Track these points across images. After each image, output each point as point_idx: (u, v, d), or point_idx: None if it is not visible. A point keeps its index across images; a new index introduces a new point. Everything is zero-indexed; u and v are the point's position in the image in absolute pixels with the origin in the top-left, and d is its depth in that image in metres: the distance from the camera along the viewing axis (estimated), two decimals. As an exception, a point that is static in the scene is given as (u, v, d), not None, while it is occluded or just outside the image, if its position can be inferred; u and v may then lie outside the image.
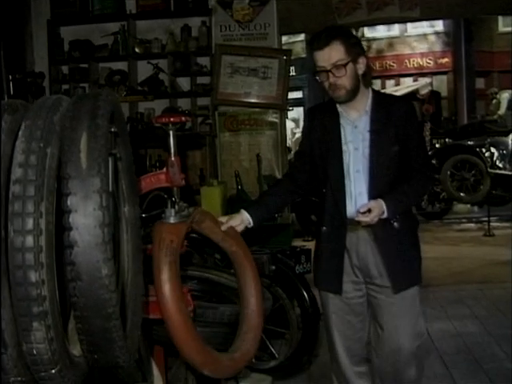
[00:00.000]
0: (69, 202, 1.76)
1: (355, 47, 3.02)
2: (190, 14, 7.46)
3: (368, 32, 21.38)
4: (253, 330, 2.89)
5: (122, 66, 7.61)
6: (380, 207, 2.93)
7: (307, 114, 3.41)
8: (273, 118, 7.12)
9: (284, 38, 8.24)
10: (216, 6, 7.26)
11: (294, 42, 17.80)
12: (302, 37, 17.70)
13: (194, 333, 2.55)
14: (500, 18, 21.07)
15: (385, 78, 22.32)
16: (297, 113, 17.46)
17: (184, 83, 7.58)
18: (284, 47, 8.36)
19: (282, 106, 7.15)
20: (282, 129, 7.13)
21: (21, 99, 2.14)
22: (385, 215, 2.96)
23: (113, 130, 2.00)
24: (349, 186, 3.05)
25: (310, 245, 3.98)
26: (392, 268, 3.06)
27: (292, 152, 10.71)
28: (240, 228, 3.04)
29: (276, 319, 4.27)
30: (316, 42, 3.00)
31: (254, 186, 6.24)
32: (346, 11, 7.43)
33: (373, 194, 3.01)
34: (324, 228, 3.15)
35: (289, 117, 9.78)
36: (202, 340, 2.60)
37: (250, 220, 3.07)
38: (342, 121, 3.09)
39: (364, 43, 20.04)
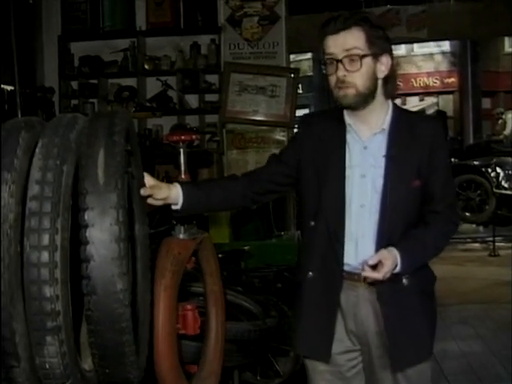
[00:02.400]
0: (86, 217, 1.80)
1: (380, 40, 2.33)
2: (199, 31, 7.53)
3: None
4: (212, 376, 2.79)
5: (131, 82, 7.68)
6: (394, 259, 2.25)
7: (302, 121, 2.62)
8: (280, 136, 7.17)
9: (291, 56, 8.30)
10: (225, 24, 7.34)
11: (301, 60, 17.88)
12: (309, 55, 17.79)
13: (173, 348, 2.52)
14: (506, 39, 21.15)
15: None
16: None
17: (192, 100, 7.64)
18: (291, 65, 8.42)
19: (290, 124, 7.19)
20: (288, 147, 7.16)
21: (30, 114, 2.18)
22: (397, 269, 2.28)
23: (128, 148, 2.05)
24: (348, 225, 2.35)
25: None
26: (395, 339, 2.36)
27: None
28: (158, 203, 2.38)
29: (281, 337, 4.28)
30: (332, 24, 2.31)
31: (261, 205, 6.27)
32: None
33: (381, 239, 2.32)
34: (310, 273, 2.42)
35: (295, 134, 9.81)
36: (178, 359, 2.58)
37: (180, 200, 2.41)
38: (348, 137, 2.40)
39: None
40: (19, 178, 1.86)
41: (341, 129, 2.41)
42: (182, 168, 2.90)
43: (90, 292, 1.81)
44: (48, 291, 1.76)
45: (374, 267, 2.22)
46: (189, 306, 2.77)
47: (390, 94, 2.42)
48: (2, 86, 6.55)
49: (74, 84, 7.81)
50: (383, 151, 2.35)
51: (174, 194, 2.39)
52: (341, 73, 2.29)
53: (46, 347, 1.80)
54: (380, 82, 2.36)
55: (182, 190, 2.41)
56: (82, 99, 7.76)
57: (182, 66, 7.54)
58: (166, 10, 7.53)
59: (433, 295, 2.51)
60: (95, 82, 7.76)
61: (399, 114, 2.41)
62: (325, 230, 2.38)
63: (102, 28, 7.70)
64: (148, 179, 2.35)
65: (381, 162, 2.35)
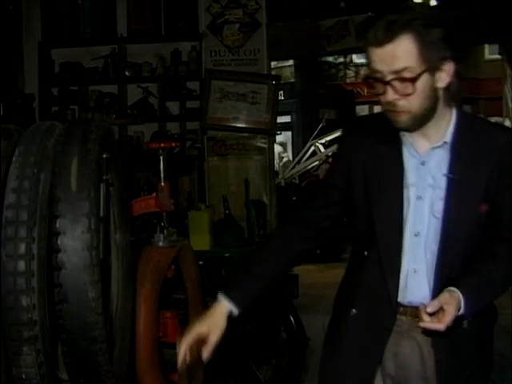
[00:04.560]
0: (58, 225, 1.80)
1: (439, 44, 1.84)
2: (180, 38, 7.51)
3: (356, 58, 21.58)
4: None
5: (111, 89, 7.64)
6: (457, 304, 1.84)
7: (347, 131, 2.16)
8: (261, 143, 7.17)
9: (273, 63, 8.31)
10: (206, 31, 7.32)
11: (282, 67, 17.91)
12: (291, 62, 17.82)
13: (155, 357, 2.52)
14: (486, 46, 21.33)
15: (373, 104, 22.50)
16: (285, 137, 17.53)
17: (173, 107, 7.61)
18: (273, 72, 8.43)
19: (271, 131, 7.20)
20: (270, 154, 7.17)
21: (10, 121, 2.17)
22: (459, 313, 1.86)
23: (104, 156, 2.04)
24: (403, 258, 1.98)
25: (297, 270, 4.00)
26: None
27: (279, 176, 10.75)
28: (216, 336, 2.02)
29: (262, 344, 4.28)
30: (372, 33, 1.83)
31: (242, 211, 6.26)
32: (336, 38, 7.51)
33: (439, 276, 1.94)
34: (354, 310, 2.05)
35: (277, 141, 9.84)
36: (159, 368, 2.57)
37: (234, 308, 2.05)
38: (405, 150, 1.99)
39: (352, 69, 20.18)
40: (-4, 186, 1.85)
41: (396, 139, 1.99)
42: (162, 175, 2.90)
43: (62, 300, 1.81)
44: (25, 301, 1.75)
45: (432, 313, 1.82)
46: (169, 314, 2.76)
47: (454, 100, 1.97)
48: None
49: (55, 90, 7.75)
50: (444, 169, 1.94)
51: (222, 317, 2.04)
52: (390, 97, 1.87)
53: (23, 357, 1.79)
54: (441, 91, 1.92)
55: (231, 298, 2.05)
56: (63, 106, 7.71)
57: (163, 72, 7.52)
58: (147, 16, 7.50)
59: (492, 336, 2.11)
60: (76, 88, 7.71)
61: (465, 124, 1.98)
62: (376, 262, 1.99)
63: (82, 34, 7.65)
64: (193, 331, 2.02)
65: (441, 182, 1.94)
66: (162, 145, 2.86)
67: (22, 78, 7.71)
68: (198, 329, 2.00)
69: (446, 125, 1.96)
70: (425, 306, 1.83)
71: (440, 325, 1.81)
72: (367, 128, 2.08)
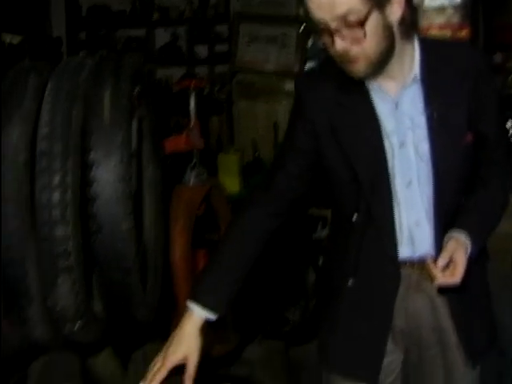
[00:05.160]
0: (91, 157, 1.81)
1: None
2: (208, -20, 7.42)
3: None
4: None
5: (139, 33, 7.60)
6: (465, 248, 1.73)
7: (302, 85, 1.88)
8: (290, 86, 7.10)
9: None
10: (234, -28, 7.22)
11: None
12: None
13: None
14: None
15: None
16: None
17: (202, 50, 7.57)
18: (302, 15, 8.31)
19: (299, 75, 7.13)
20: (298, 98, 7.11)
21: (39, 64, 2.17)
22: (468, 254, 1.74)
23: (136, 90, 2.03)
24: (397, 213, 1.80)
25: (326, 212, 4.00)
26: (467, 331, 1.88)
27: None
28: (195, 362, 1.76)
29: (291, 285, 4.31)
30: None
31: (271, 154, 6.25)
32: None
33: (440, 221, 1.81)
34: (351, 280, 1.87)
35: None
36: None
37: (211, 315, 1.78)
38: (374, 97, 1.78)
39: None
40: (29, 120, 1.86)
41: (359, 86, 1.76)
42: (192, 114, 2.90)
43: (96, 231, 1.83)
44: (59, 232, 1.76)
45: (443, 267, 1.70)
46: (202, 253, 2.79)
47: (413, 31, 1.76)
48: (10, 37, 6.51)
49: (82, 35, 7.73)
50: (420, 107, 1.76)
51: (195, 332, 1.77)
52: (340, 47, 1.64)
53: (59, 288, 1.81)
54: (396, 26, 1.69)
55: (210, 310, 1.77)
56: (90, 50, 7.69)
57: (191, 15, 7.45)
58: (175, -42, 7.41)
59: (486, 276, 1.99)
60: (103, 32, 7.68)
61: (431, 53, 1.78)
62: (368, 224, 1.82)
63: (109, -23, 7.60)
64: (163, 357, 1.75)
65: (420, 122, 1.77)
66: (192, 83, 2.84)
67: (49, 22, 7.67)
68: (172, 358, 1.73)
69: (410, 59, 1.76)
70: (433, 260, 1.69)
71: (455, 278, 1.68)
72: (324, 79, 1.82)
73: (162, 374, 1.71)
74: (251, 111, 7.11)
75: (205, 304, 1.74)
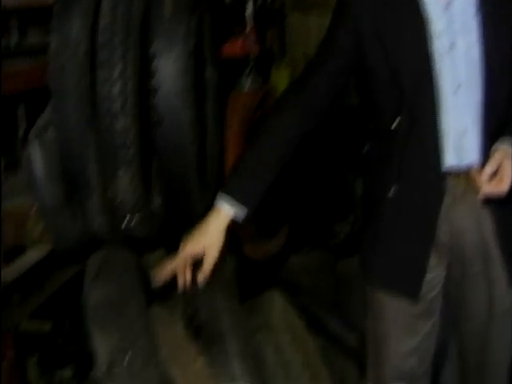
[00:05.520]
0: (152, 49, 1.80)
1: None
2: None
3: None
4: None
5: None
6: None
7: None
8: None
9: None
10: None
11: None
12: None
13: None
14: None
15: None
16: None
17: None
18: None
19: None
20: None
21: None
22: None
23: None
24: (443, 119, 1.71)
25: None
26: (511, 248, 1.82)
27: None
28: (213, 257, 1.75)
29: (340, 198, 4.30)
30: None
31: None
32: None
33: (489, 130, 1.72)
34: (393, 190, 1.78)
35: None
36: None
37: (240, 210, 1.75)
38: None
39: None
40: (89, 11, 1.84)
41: None
42: (248, 19, 2.86)
43: (156, 123, 1.83)
44: (120, 123, 1.77)
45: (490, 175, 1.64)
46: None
47: None
48: None
49: None
50: (473, 7, 1.69)
51: (220, 227, 1.75)
52: None
53: (119, 180, 1.83)
54: None
55: (240, 204, 1.74)
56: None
57: None
58: None
59: None
60: None
61: None
62: (409, 132, 1.74)
63: None
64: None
65: (471, 24, 1.69)
66: (250, -14, 2.80)
67: None
68: (191, 249, 1.73)
69: None
70: (480, 169, 1.64)
71: (502, 187, 1.62)
72: None
73: (177, 262, 1.70)
74: (304, 25, 6.98)
75: (236, 197, 1.72)
